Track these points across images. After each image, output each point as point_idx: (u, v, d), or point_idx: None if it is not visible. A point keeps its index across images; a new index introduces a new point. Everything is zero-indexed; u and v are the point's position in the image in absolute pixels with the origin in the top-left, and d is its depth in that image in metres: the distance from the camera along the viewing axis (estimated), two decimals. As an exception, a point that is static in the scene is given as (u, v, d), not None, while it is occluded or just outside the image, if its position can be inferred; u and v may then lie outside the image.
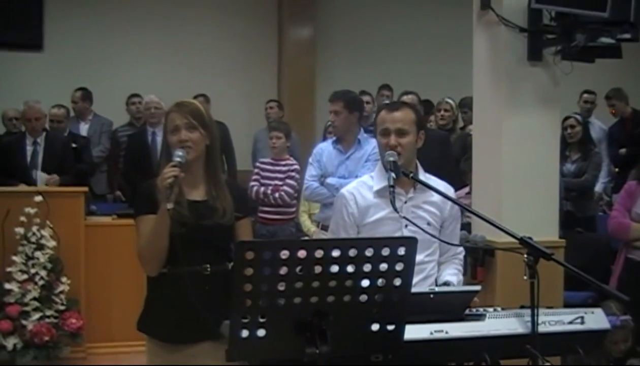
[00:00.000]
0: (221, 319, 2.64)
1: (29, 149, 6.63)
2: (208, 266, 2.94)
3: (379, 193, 3.26)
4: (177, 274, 2.90)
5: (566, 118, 6.73)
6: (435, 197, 3.28)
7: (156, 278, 2.99)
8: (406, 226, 3.19)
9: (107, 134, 8.27)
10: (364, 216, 3.26)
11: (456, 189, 5.56)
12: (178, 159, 2.88)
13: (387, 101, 7.58)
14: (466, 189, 5.68)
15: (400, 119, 3.21)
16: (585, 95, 8.31)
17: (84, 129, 8.13)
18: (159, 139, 7.18)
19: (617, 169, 7.86)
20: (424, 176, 3.30)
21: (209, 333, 2.79)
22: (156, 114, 7.17)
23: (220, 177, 3.09)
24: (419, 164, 3.34)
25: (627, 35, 4.45)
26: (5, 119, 7.95)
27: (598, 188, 7.44)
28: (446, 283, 3.25)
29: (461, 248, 3.47)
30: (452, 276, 3.33)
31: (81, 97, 8.21)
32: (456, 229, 3.43)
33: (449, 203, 3.30)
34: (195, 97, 8.07)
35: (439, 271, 3.39)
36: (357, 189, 3.32)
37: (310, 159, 5.43)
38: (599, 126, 8.36)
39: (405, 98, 5.93)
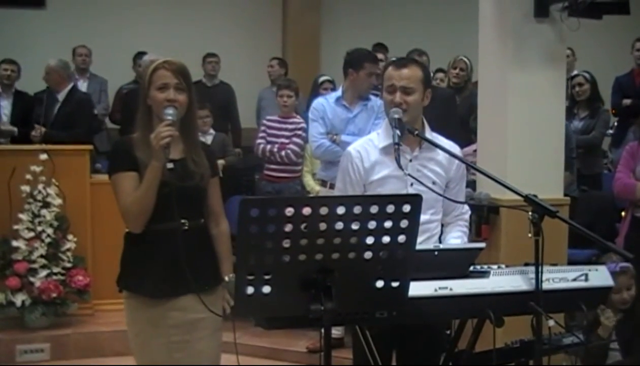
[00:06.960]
0: (199, 272, 2.87)
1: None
2: (186, 221, 2.98)
3: (384, 150, 3.24)
4: (156, 231, 2.97)
5: (575, 76, 6.67)
6: (441, 157, 3.26)
7: (135, 235, 3.05)
8: (411, 184, 3.17)
9: (105, 92, 8.23)
10: (370, 174, 3.24)
11: (462, 147, 5.55)
12: (170, 117, 2.89)
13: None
14: (473, 147, 5.66)
15: (406, 76, 3.16)
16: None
17: (82, 86, 8.06)
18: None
19: (616, 119, 7.77)
20: (430, 135, 3.27)
21: (189, 286, 2.87)
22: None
23: (197, 140, 3.13)
24: (425, 123, 3.30)
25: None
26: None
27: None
28: None
29: (467, 209, 3.44)
30: (456, 238, 3.32)
31: (88, 53, 8.17)
32: (461, 189, 3.40)
33: (455, 163, 3.28)
34: (205, 57, 8.09)
35: (444, 233, 3.38)
36: (363, 147, 3.29)
37: (310, 116, 5.32)
38: None
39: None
